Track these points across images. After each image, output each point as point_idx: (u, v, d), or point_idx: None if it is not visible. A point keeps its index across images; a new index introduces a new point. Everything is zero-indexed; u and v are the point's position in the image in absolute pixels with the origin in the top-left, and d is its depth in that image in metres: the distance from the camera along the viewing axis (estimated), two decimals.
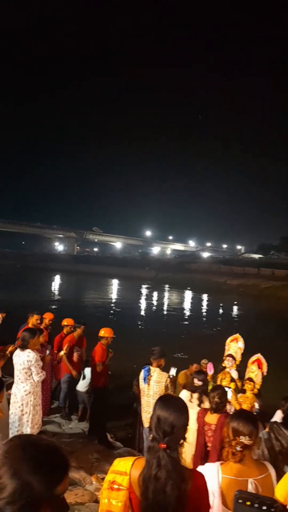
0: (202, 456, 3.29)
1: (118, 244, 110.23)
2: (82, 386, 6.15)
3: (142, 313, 24.14)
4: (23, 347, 4.03)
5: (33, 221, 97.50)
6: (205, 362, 6.23)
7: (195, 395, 3.96)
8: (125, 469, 1.45)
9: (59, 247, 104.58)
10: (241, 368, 5.83)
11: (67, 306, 21.23)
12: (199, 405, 3.85)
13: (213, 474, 1.84)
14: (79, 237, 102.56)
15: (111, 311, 22.58)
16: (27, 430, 3.90)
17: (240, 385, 5.34)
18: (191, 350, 10.97)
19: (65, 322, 6.65)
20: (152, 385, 4.33)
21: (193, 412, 3.16)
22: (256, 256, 74.93)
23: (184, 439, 1.46)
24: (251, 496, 1.37)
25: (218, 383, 5.28)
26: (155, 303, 29.87)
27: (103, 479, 3.30)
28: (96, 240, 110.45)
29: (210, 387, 5.36)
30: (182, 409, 1.49)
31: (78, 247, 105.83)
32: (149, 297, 33.32)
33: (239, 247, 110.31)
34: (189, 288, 39.64)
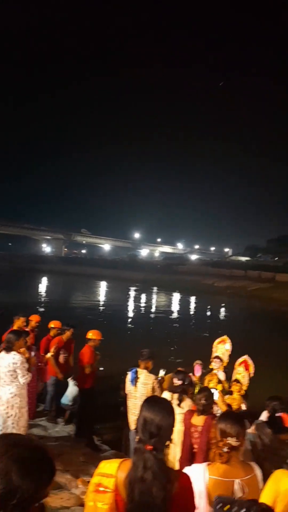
0: (189, 458, 3.29)
1: (106, 246, 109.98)
2: (66, 399, 6.01)
3: (131, 314, 24.09)
4: (8, 349, 3.98)
5: (21, 222, 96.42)
6: (199, 362, 6.22)
7: (175, 395, 3.97)
8: (111, 471, 1.43)
9: (47, 248, 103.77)
10: (228, 369, 5.87)
11: (55, 308, 21.02)
12: (178, 405, 3.85)
13: (199, 475, 1.85)
14: (67, 238, 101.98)
15: (99, 313, 22.47)
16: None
17: (227, 386, 5.38)
18: (179, 352, 11.00)
19: (52, 324, 6.59)
20: (139, 387, 4.33)
21: (177, 413, 3.16)
22: (244, 258, 75.79)
23: (171, 440, 1.46)
24: (230, 500, 1.39)
25: (206, 384, 5.30)
26: (143, 305, 29.84)
27: (89, 482, 3.28)
28: (84, 242, 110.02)
29: (197, 389, 5.38)
30: (168, 410, 1.48)
31: (66, 249, 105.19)
32: (137, 299, 33.28)
33: (226, 249, 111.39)
34: (177, 290, 39.74)
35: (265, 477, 1.92)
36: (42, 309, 19.87)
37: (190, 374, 6.02)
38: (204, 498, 1.80)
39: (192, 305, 32.38)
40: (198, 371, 5.97)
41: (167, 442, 1.44)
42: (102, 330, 5.78)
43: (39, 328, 6.78)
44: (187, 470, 1.92)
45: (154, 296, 37.20)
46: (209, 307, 30.38)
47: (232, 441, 1.87)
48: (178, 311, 27.47)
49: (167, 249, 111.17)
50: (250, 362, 5.29)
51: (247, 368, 5.26)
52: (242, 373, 5.22)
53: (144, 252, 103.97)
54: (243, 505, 1.32)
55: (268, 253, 69.78)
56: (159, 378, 4.50)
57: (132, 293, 37.93)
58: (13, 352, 3.97)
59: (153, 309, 27.67)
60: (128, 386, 4.47)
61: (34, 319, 6.68)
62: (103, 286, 42.67)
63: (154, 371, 4.56)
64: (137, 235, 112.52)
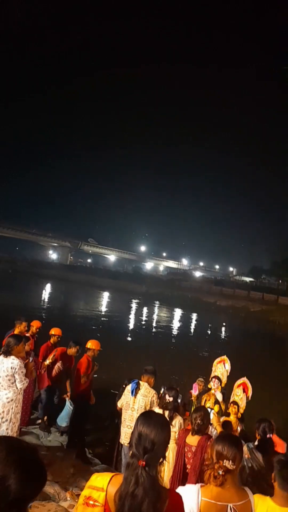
0: (180, 477, 3.23)
1: (112, 257, 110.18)
2: (62, 421, 5.87)
3: (131, 327, 23.96)
4: (7, 353, 3.98)
5: (29, 228, 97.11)
6: (201, 379, 6.15)
7: (166, 412, 3.92)
8: (102, 485, 1.42)
9: (53, 255, 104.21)
10: (226, 390, 5.80)
11: (56, 315, 21.00)
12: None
13: (193, 495, 1.82)
14: (73, 247, 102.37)
15: (100, 323, 22.38)
16: None
17: (224, 407, 5.30)
18: (177, 369, 10.89)
19: (52, 331, 6.56)
20: (139, 398, 4.32)
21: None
22: (247, 279, 75.37)
23: (164, 457, 1.45)
24: None
25: (202, 404, 5.23)
26: (144, 318, 29.69)
27: (78, 495, 3.22)
28: (90, 251, 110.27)
29: (193, 408, 5.31)
30: (163, 426, 1.47)
31: (71, 257, 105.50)
32: (138, 312, 33.14)
33: (231, 269, 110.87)
34: (179, 306, 39.54)
35: None
36: (43, 315, 19.86)
37: (191, 391, 5.96)
38: None
39: (193, 323, 32.16)
40: (195, 389, 5.90)
41: (161, 459, 1.42)
42: (101, 341, 5.76)
43: (40, 334, 6.77)
44: (180, 489, 1.90)
45: (156, 310, 37.03)
46: (210, 325, 30.14)
47: (228, 464, 1.84)
48: (178, 327, 27.29)
49: (171, 264, 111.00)
50: (248, 384, 5.23)
51: (245, 391, 5.19)
52: (240, 395, 5.16)
53: (148, 265, 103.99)
54: None
55: (273, 276, 69.35)
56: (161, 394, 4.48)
57: (134, 305, 37.81)
58: (12, 357, 3.96)
59: (154, 324, 27.51)
60: (127, 397, 4.44)
61: (35, 324, 6.67)
62: (105, 297, 42.59)
63: (154, 389, 4.54)
64: (143, 248, 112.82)
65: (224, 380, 5.77)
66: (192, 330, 27.37)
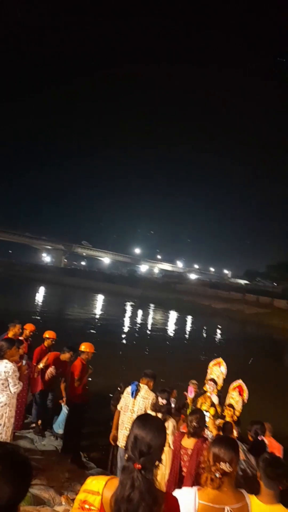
0: (176, 481, 3.20)
1: (106, 260, 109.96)
2: (58, 427, 5.83)
3: (126, 330, 23.90)
4: (0, 357, 3.93)
5: (22, 231, 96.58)
6: (194, 382, 6.13)
7: (160, 415, 3.90)
8: (97, 489, 1.40)
9: (46, 258, 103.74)
10: (222, 393, 5.78)
11: (50, 318, 20.89)
12: None
13: (190, 498, 1.81)
14: (67, 249, 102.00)
15: (95, 326, 22.30)
16: None
17: (220, 410, 5.28)
18: (172, 372, 10.85)
19: (46, 334, 6.51)
20: (139, 400, 4.29)
21: None
22: (243, 281, 75.67)
23: (160, 460, 1.43)
24: None
25: (198, 406, 5.21)
26: (139, 321, 29.64)
27: (73, 500, 3.18)
28: (84, 254, 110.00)
29: (189, 411, 5.28)
30: (159, 429, 1.46)
31: (65, 260, 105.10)
32: (133, 315, 33.09)
33: (226, 271, 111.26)
34: (174, 308, 39.56)
35: None
36: (37, 318, 19.75)
37: (185, 393, 5.93)
38: None
39: (189, 325, 32.17)
40: (191, 392, 5.88)
41: (157, 462, 1.41)
42: (96, 344, 5.73)
43: (34, 337, 6.72)
44: (177, 492, 1.88)
45: (151, 313, 37.01)
46: (205, 328, 30.17)
47: (225, 466, 1.82)
48: (174, 330, 27.28)
49: (166, 266, 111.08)
50: (244, 387, 5.22)
51: (241, 393, 5.18)
52: (236, 398, 5.14)
53: (143, 268, 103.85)
54: None
55: (267, 279, 69.70)
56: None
57: (128, 308, 37.74)
58: (5, 361, 3.92)
59: (149, 327, 27.48)
60: (126, 399, 4.40)
61: (29, 328, 6.61)
62: (100, 300, 42.48)
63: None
64: (137, 251, 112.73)
65: (220, 382, 5.75)
66: (187, 333, 27.37)
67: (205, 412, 4.71)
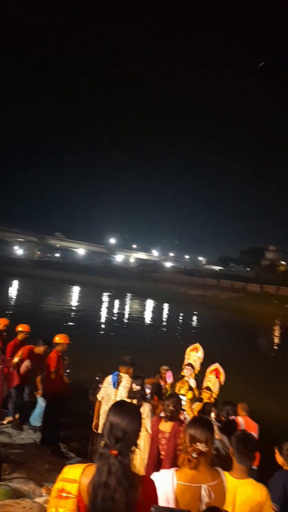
0: (155, 464, 3.26)
1: (81, 251, 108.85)
2: (36, 420, 5.78)
3: (103, 320, 23.89)
4: None
5: None
6: (165, 368, 6.22)
7: (134, 401, 3.95)
8: (74, 477, 1.40)
9: (19, 251, 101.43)
10: (199, 377, 5.91)
11: (24, 312, 20.54)
12: None
13: (167, 480, 1.84)
14: (40, 241, 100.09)
15: (71, 318, 22.13)
16: None
17: (198, 393, 5.40)
18: (151, 359, 10.97)
19: (20, 327, 6.40)
20: (121, 390, 4.30)
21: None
22: (217, 268, 76.94)
23: (136, 445, 1.44)
24: (166, 510, 1.43)
25: (176, 391, 5.30)
26: (116, 311, 29.68)
27: None
28: (58, 245, 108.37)
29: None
30: (134, 414, 1.47)
31: (39, 252, 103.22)
32: (110, 305, 33.08)
33: (200, 258, 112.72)
34: (151, 297, 39.82)
35: None
36: (10, 312, 19.37)
37: (161, 381, 6.01)
38: (172, 504, 1.79)
39: (165, 313, 32.52)
40: (169, 378, 5.97)
41: (133, 448, 1.42)
42: (72, 336, 5.69)
43: (7, 331, 6.59)
44: (155, 475, 1.91)
45: (128, 303, 37.11)
46: (181, 314, 30.60)
47: (201, 446, 1.86)
48: (151, 318, 27.50)
49: (142, 255, 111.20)
50: (221, 370, 5.35)
51: (218, 376, 5.31)
52: (213, 380, 5.27)
53: (119, 258, 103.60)
54: None
55: (241, 264, 71.24)
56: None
57: (105, 298, 37.67)
58: None
59: (126, 316, 27.57)
60: (108, 389, 4.40)
61: (2, 322, 6.49)
62: (76, 291, 42.12)
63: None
64: (112, 241, 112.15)
65: (198, 367, 5.87)
66: (164, 321, 27.68)
67: (181, 396, 4.81)
